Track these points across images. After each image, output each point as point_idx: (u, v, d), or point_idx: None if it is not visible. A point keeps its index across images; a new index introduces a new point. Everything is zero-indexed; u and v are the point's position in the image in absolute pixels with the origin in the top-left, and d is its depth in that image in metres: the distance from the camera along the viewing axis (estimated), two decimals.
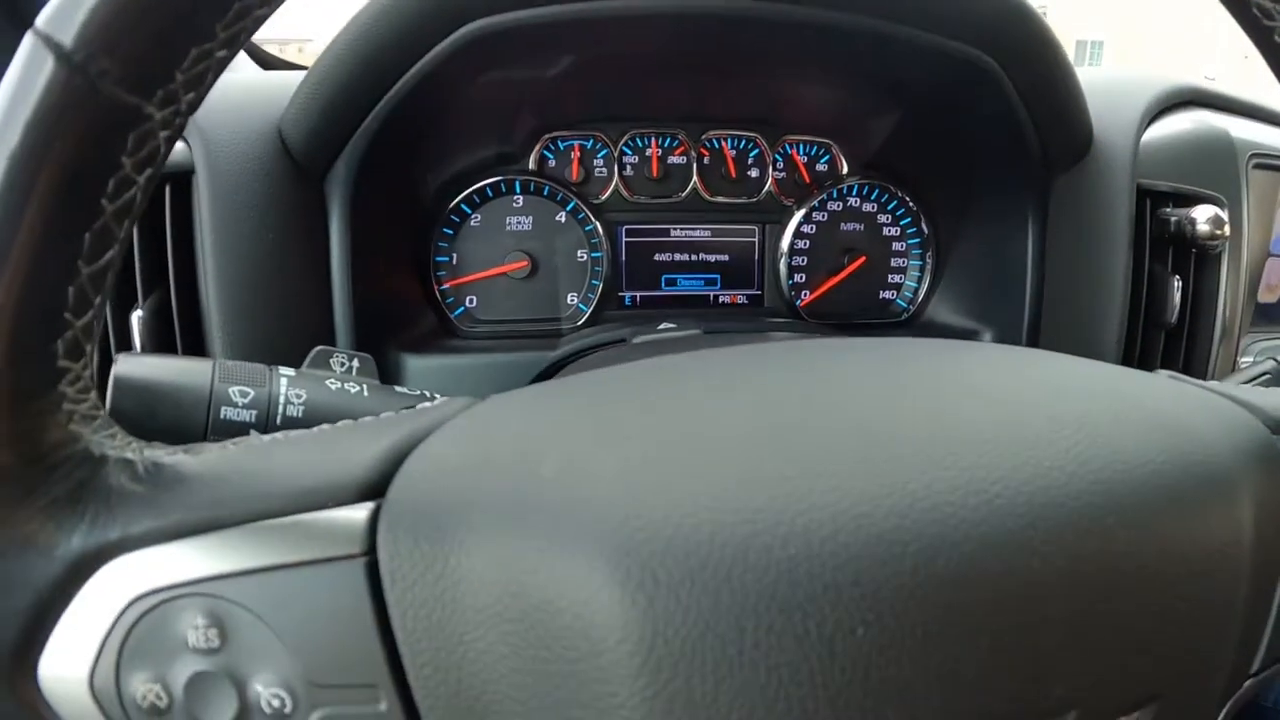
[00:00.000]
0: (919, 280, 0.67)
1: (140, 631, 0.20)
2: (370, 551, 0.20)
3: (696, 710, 0.18)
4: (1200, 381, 0.30)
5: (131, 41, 0.17)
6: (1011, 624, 0.20)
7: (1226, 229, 0.58)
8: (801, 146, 0.65)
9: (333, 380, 0.39)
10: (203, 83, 0.19)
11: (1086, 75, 0.57)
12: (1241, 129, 0.66)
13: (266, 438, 0.23)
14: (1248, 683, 0.27)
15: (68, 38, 0.17)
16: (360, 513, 0.20)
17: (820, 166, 0.66)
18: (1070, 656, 0.21)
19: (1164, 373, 0.31)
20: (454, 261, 0.62)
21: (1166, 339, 0.62)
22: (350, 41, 0.48)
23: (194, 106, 0.19)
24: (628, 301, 0.65)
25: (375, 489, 0.21)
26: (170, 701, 0.20)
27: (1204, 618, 0.23)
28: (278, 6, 0.20)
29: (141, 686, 0.20)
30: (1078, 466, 0.22)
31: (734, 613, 0.18)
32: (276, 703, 0.20)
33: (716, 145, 0.64)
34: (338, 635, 0.20)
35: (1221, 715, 0.26)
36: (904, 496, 0.20)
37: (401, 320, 0.58)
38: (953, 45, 0.50)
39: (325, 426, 0.26)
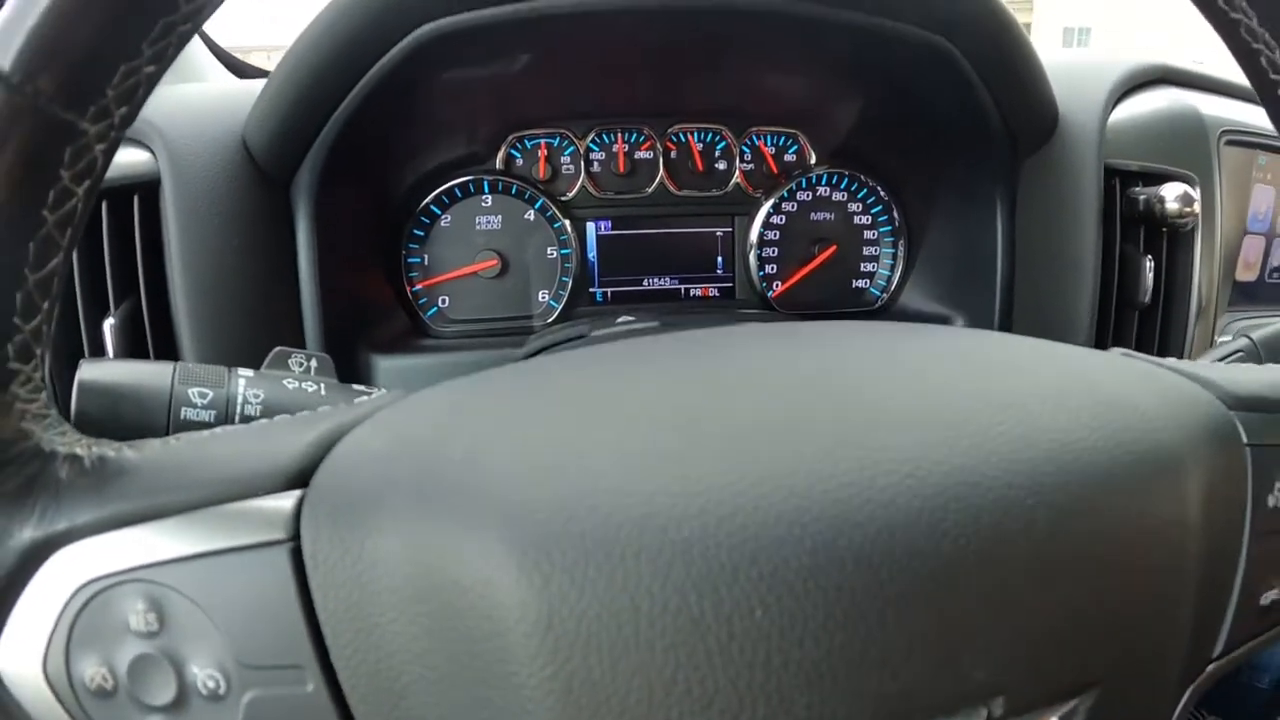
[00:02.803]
0: (891, 268, 0.67)
1: (87, 617, 0.20)
2: (295, 537, 0.20)
3: (596, 691, 0.18)
4: (1154, 358, 0.29)
5: (64, 62, 0.18)
6: (921, 607, 0.19)
7: (1196, 206, 0.58)
8: (769, 138, 0.66)
9: (290, 380, 0.39)
10: (134, 97, 0.20)
11: (1052, 57, 0.57)
12: (1212, 106, 0.66)
13: (207, 432, 0.24)
14: (1210, 667, 0.26)
15: (6, 62, 0.18)
16: (288, 500, 0.21)
17: (789, 157, 0.66)
18: (991, 641, 0.20)
19: (1117, 350, 0.30)
20: (425, 263, 0.62)
21: (1141, 320, 0.62)
22: (308, 46, 0.48)
23: (128, 120, 0.20)
24: (599, 298, 0.65)
25: (302, 477, 0.21)
26: (116, 684, 0.20)
27: (1145, 602, 0.22)
28: (203, 22, 0.21)
29: (89, 670, 0.20)
30: (999, 445, 0.21)
31: (628, 593, 0.18)
32: (211, 684, 0.20)
33: (683, 139, 0.64)
34: (266, 618, 0.20)
35: (1183, 701, 0.25)
36: (806, 476, 0.19)
37: (372, 322, 0.59)
38: (909, 30, 0.50)
39: (264, 420, 0.26)
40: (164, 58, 0.20)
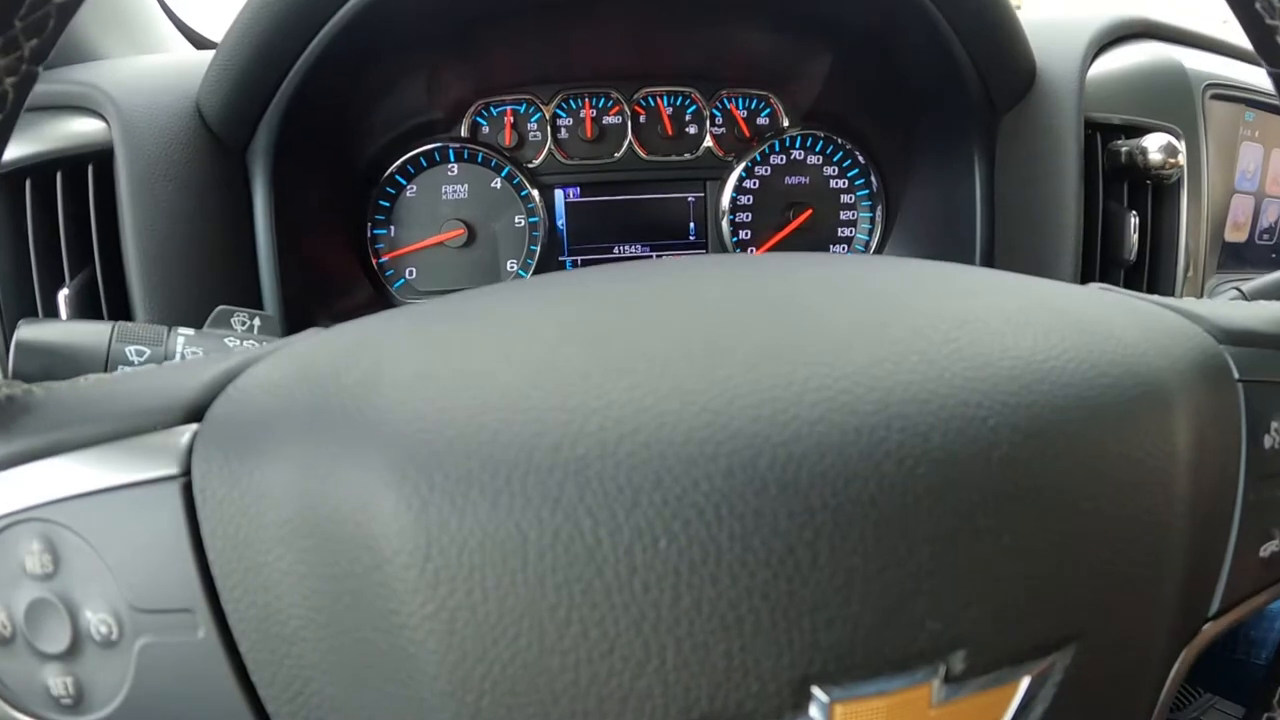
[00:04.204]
0: (870, 231, 0.66)
1: None
2: (187, 472, 0.19)
3: (481, 631, 0.16)
4: (1137, 293, 0.26)
5: None
6: (861, 540, 0.16)
7: (1181, 157, 0.56)
8: (740, 100, 0.64)
9: (232, 338, 0.38)
10: (44, 29, 0.19)
11: (1030, 14, 0.55)
12: (1196, 60, 0.64)
13: (117, 373, 0.23)
14: (1206, 626, 0.23)
15: None
16: (184, 435, 0.20)
17: (761, 120, 0.65)
18: (946, 585, 0.17)
19: (1096, 285, 0.28)
20: (392, 234, 0.61)
21: (1127, 279, 0.60)
22: (257, 9, 0.47)
23: (39, 54, 0.19)
24: (569, 266, 0.64)
25: (199, 411, 0.21)
26: (14, 630, 0.19)
27: (1128, 545, 0.20)
28: None
29: None
30: (953, 361, 0.18)
31: (514, 519, 0.16)
32: (104, 629, 0.19)
33: (652, 103, 0.63)
34: (156, 559, 0.19)
35: (1177, 664, 0.23)
36: (723, 390, 0.17)
37: (334, 291, 0.58)
38: None
39: (176, 360, 0.25)
40: None
